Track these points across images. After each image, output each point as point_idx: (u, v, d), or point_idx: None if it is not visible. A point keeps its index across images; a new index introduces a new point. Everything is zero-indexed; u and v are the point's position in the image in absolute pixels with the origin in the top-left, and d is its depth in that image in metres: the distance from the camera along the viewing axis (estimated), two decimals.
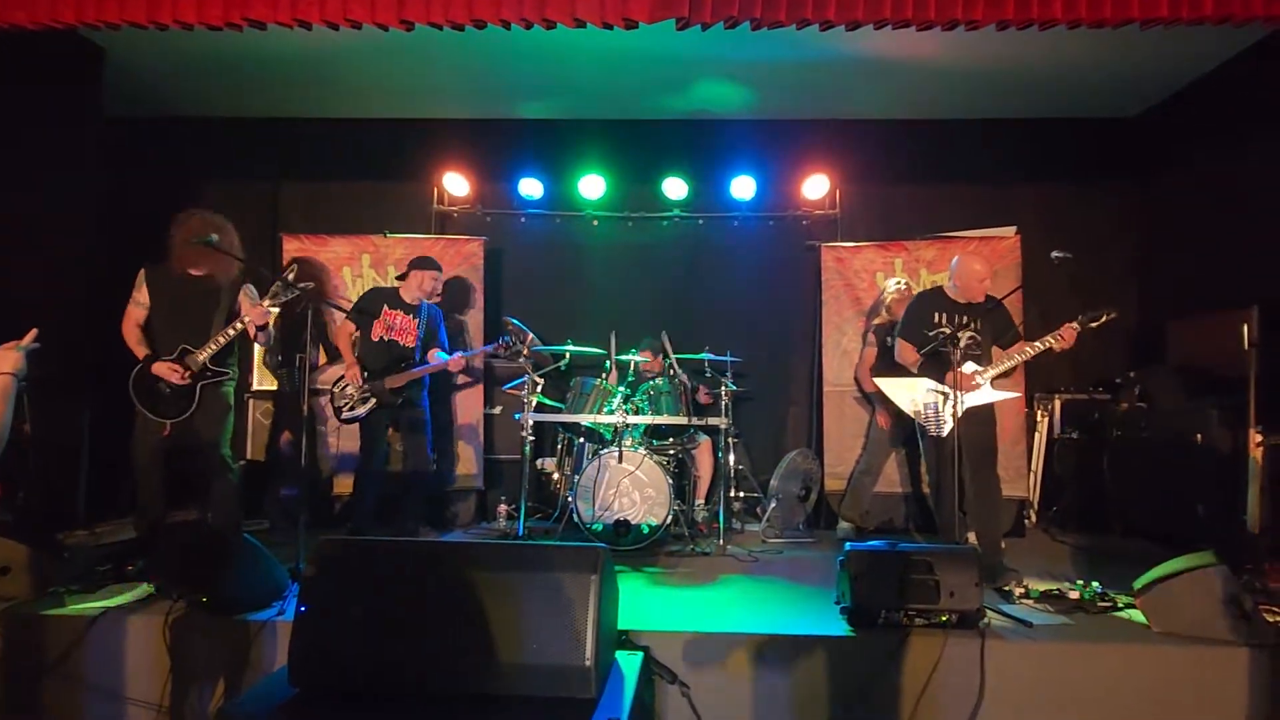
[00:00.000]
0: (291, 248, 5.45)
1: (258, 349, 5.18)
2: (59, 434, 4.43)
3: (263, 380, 5.35)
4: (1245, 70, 4.76)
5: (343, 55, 4.85)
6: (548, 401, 4.99)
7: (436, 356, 4.55)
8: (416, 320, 4.54)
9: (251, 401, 5.27)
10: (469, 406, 5.44)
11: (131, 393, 3.79)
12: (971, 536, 4.26)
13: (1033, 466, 5.34)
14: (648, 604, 3.35)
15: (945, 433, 3.76)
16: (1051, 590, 3.35)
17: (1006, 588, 3.46)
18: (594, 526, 4.30)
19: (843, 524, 4.99)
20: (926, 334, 3.92)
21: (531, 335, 4.96)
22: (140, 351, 3.82)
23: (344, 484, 5.05)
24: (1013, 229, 5.47)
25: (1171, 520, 4.46)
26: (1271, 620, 2.95)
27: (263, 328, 3.88)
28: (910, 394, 3.96)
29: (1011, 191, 5.82)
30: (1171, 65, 5.03)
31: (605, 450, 4.40)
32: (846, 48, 4.53)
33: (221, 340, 3.81)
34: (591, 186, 5.76)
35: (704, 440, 5.14)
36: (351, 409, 4.38)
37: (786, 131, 5.91)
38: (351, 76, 5.24)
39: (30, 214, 4.47)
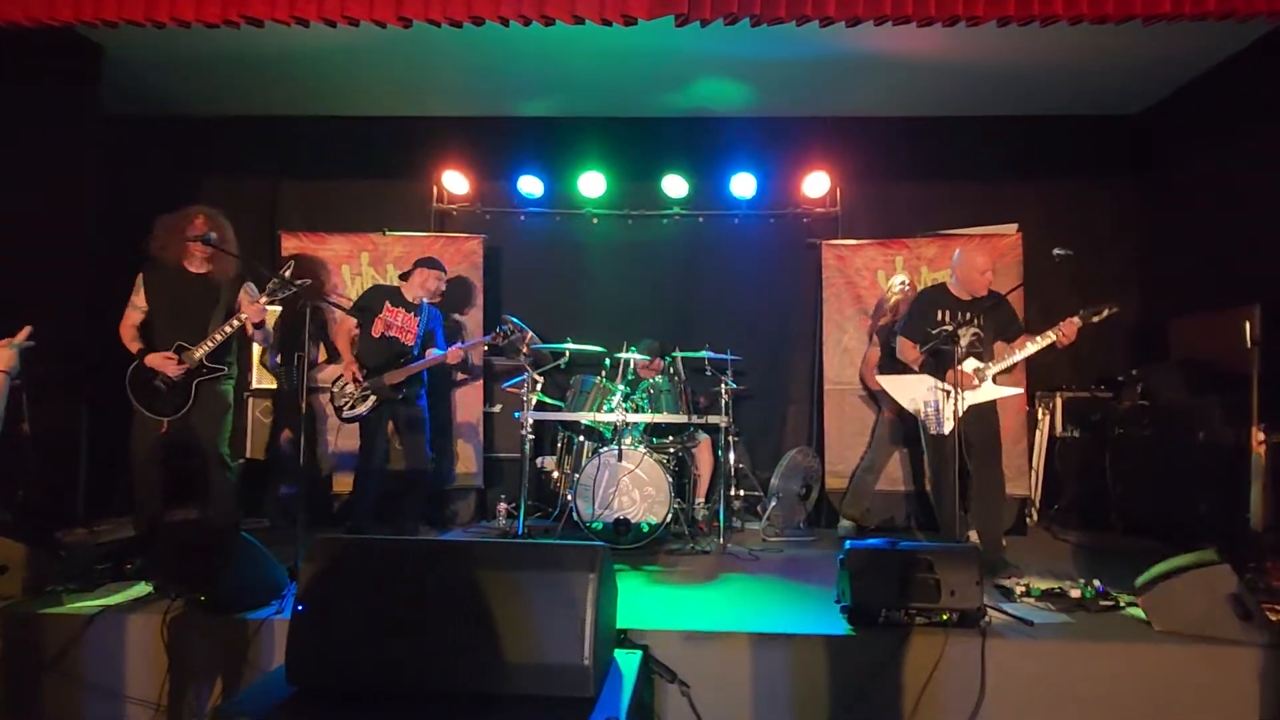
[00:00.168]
0: (290, 246, 5.44)
1: (256, 347, 5.18)
2: (58, 432, 4.43)
3: (262, 378, 5.34)
4: (1248, 67, 4.74)
5: (341, 53, 4.84)
6: (547, 400, 4.98)
7: (433, 352, 4.55)
8: (417, 319, 4.54)
9: (251, 400, 5.25)
10: (468, 404, 5.43)
11: (128, 390, 3.78)
12: (973, 535, 4.27)
13: (1034, 464, 5.33)
14: (647, 603, 3.34)
15: (946, 430, 3.75)
16: (1053, 589, 3.33)
17: (1007, 583, 3.45)
18: (594, 525, 4.29)
19: (844, 522, 4.99)
20: (929, 332, 3.92)
21: (531, 333, 4.95)
22: (135, 349, 3.81)
23: (343, 482, 5.04)
24: (1014, 226, 5.46)
25: (1174, 518, 4.45)
26: (1274, 619, 2.94)
27: (260, 325, 3.87)
28: (912, 391, 3.96)
29: (1013, 189, 5.80)
30: (1174, 62, 5.01)
31: (605, 448, 4.39)
32: (847, 44, 4.51)
33: (219, 337, 3.80)
34: (591, 184, 5.74)
35: (704, 438, 5.12)
36: (352, 407, 4.38)
37: (787, 129, 5.89)
38: (350, 74, 5.23)
39: (29, 213, 4.46)
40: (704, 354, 4.91)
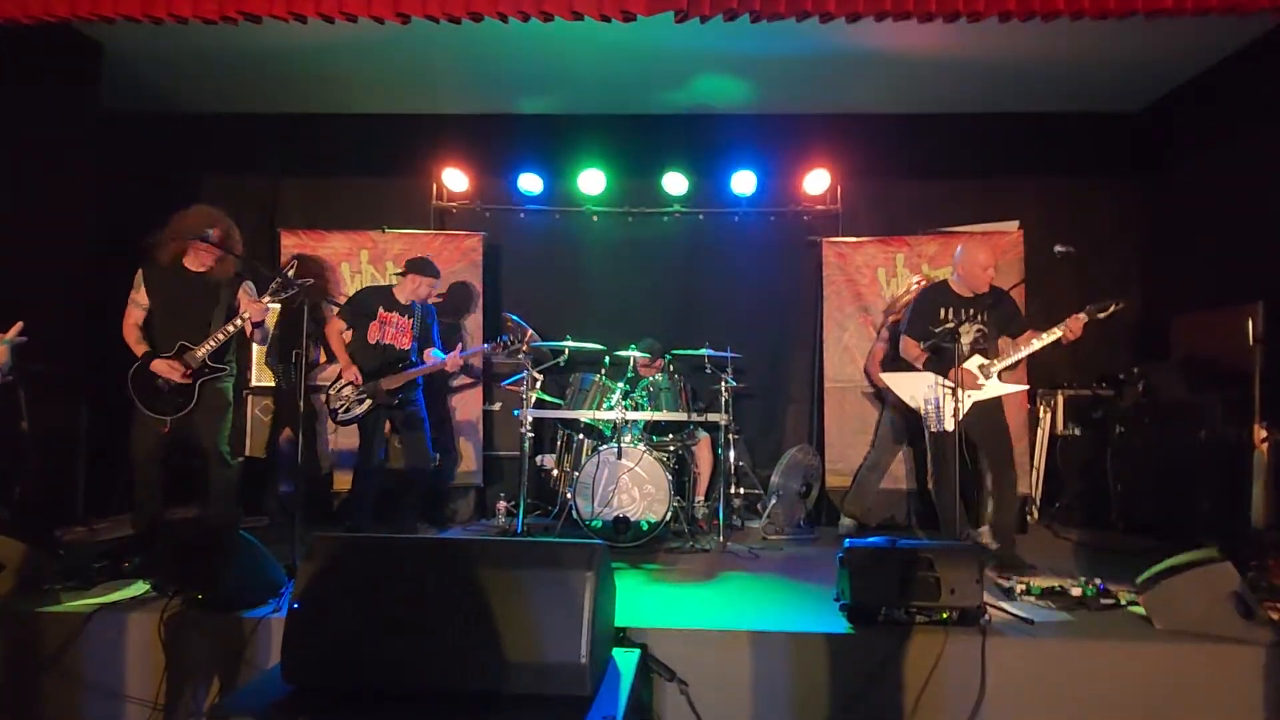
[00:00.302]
0: (290, 243, 5.44)
1: (256, 346, 5.17)
2: (57, 431, 4.43)
3: (262, 376, 5.33)
4: (1251, 64, 4.72)
5: (340, 50, 4.83)
6: (547, 398, 4.97)
7: (432, 355, 4.53)
8: (411, 320, 4.51)
9: (250, 398, 5.25)
10: (468, 403, 5.42)
11: (130, 390, 3.78)
12: (974, 533, 4.26)
13: (1035, 463, 5.31)
14: (646, 601, 3.33)
15: (948, 427, 3.74)
16: (1053, 587, 3.32)
17: (1007, 581, 3.43)
18: (593, 523, 4.28)
19: (844, 520, 4.97)
20: (932, 329, 3.91)
21: (530, 331, 4.94)
22: (139, 349, 3.81)
23: (343, 481, 5.04)
24: (1015, 224, 5.44)
25: (1175, 516, 4.44)
26: (1276, 617, 2.92)
27: (259, 324, 3.87)
28: (914, 388, 3.95)
29: (1014, 186, 5.78)
30: (1176, 58, 4.99)
31: (605, 447, 4.38)
32: (847, 41, 4.49)
33: (221, 337, 3.80)
34: (591, 182, 5.73)
35: (704, 436, 5.11)
36: (347, 410, 4.36)
37: (787, 126, 5.88)
38: (349, 71, 5.22)
39: (28, 211, 4.46)
40: (704, 352, 4.90)
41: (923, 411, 3.91)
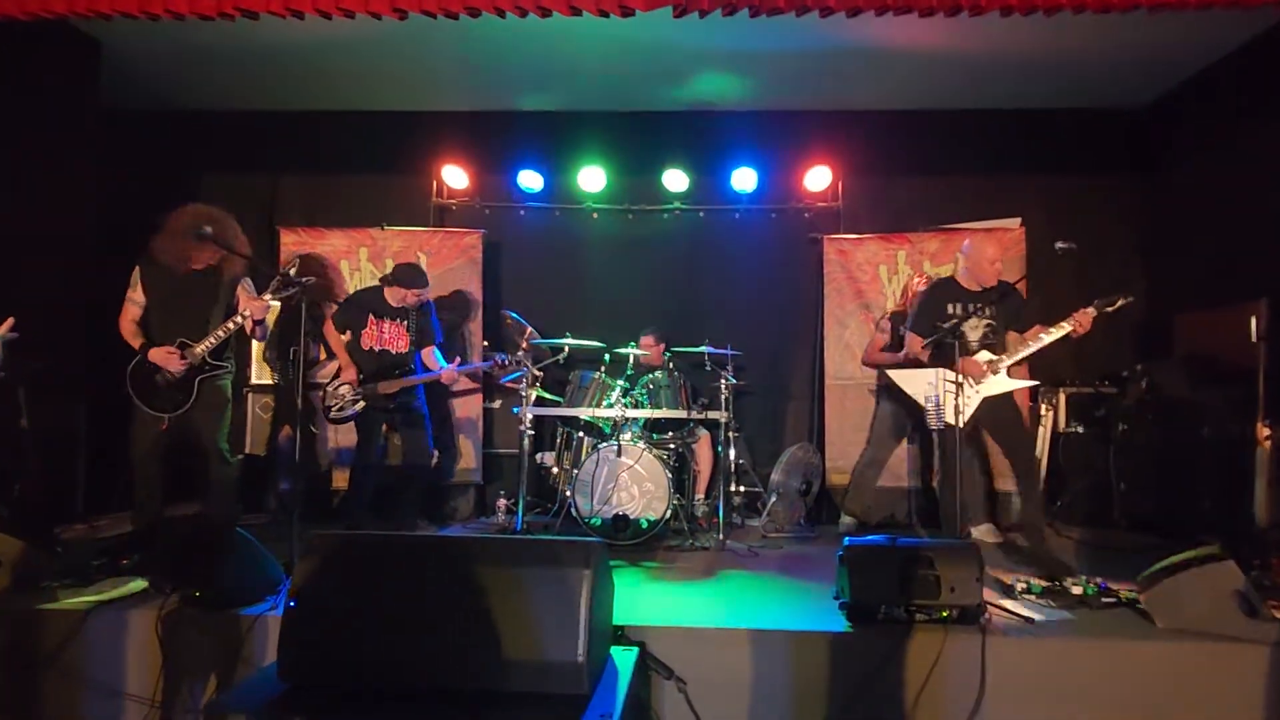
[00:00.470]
0: (289, 241, 5.43)
1: (255, 343, 5.17)
2: (57, 429, 4.43)
3: (262, 374, 5.33)
4: (1255, 59, 4.69)
5: (338, 46, 4.82)
6: (547, 395, 4.96)
7: (432, 356, 4.53)
8: (405, 323, 4.50)
9: (250, 395, 5.25)
10: (468, 401, 5.42)
11: (129, 386, 3.77)
12: (973, 530, 4.25)
13: (1037, 460, 5.29)
14: (645, 599, 3.32)
15: (961, 423, 3.72)
16: (1054, 585, 3.30)
17: (1008, 579, 3.40)
18: (592, 521, 4.27)
19: (845, 519, 4.96)
20: (939, 326, 3.89)
21: (530, 329, 4.93)
22: (136, 343, 3.80)
23: (343, 478, 5.04)
24: (1017, 220, 5.42)
25: (1177, 514, 4.42)
26: (1278, 615, 2.90)
27: (259, 322, 3.86)
28: (918, 384, 3.94)
29: (1016, 183, 5.76)
30: (1179, 54, 4.96)
31: (604, 444, 4.37)
32: (848, 36, 4.48)
33: (221, 334, 3.79)
34: (591, 179, 5.72)
35: (704, 434, 5.10)
36: (341, 409, 4.36)
37: (788, 123, 5.86)
38: (348, 68, 5.21)
39: (27, 209, 4.45)
40: (704, 349, 4.89)
41: (928, 408, 3.89)
